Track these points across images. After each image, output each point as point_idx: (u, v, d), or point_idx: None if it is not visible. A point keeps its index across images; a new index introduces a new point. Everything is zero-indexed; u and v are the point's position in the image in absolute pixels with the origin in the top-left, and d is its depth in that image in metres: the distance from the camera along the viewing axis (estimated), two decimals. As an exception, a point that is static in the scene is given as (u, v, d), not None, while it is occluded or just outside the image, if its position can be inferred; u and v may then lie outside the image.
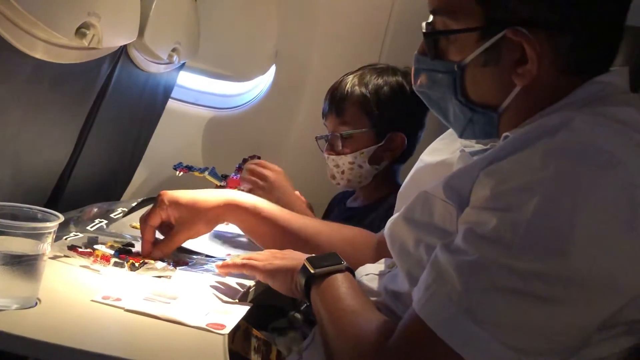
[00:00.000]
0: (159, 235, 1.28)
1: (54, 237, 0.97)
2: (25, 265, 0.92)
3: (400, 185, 1.19)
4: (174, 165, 1.76)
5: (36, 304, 0.95)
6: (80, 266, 1.16)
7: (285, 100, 2.13)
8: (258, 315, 1.19)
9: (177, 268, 1.23)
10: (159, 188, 1.53)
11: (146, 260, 1.21)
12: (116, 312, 0.99)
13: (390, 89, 1.69)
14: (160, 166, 2.04)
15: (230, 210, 1.28)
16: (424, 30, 0.95)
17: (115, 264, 1.19)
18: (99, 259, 1.17)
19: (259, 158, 1.84)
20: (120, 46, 1.44)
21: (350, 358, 0.88)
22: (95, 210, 1.50)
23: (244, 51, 2.15)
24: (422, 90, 0.99)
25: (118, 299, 1.02)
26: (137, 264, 1.18)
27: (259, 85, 2.22)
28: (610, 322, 0.78)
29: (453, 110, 0.95)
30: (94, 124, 1.50)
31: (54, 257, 1.16)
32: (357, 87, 1.70)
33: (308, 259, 1.06)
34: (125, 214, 1.56)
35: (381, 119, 1.68)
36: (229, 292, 1.15)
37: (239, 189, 1.61)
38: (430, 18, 0.95)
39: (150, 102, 1.89)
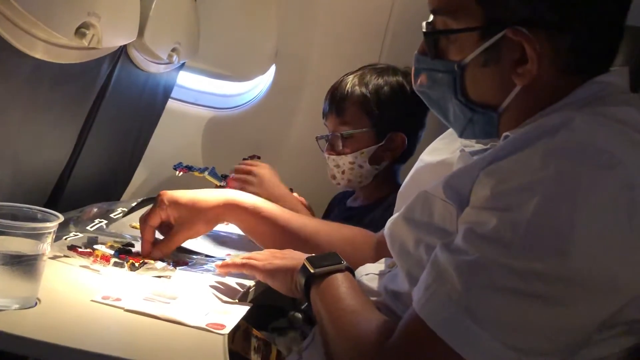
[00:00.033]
0: (158, 236, 1.28)
1: (54, 237, 0.97)
2: (25, 265, 0.92)
3: (401, 185, 1.19)
4: (174, 165, 1.76)
5: (36, 304, 0.95)
6: (80, 266, 1.16)
7: (285, 100, 2.13)
8: (258, 315, 1.19)
9: (177, 268, 1.23)
10: (159, 188, 1.53)
11: (146, 260, 1.21)
12: (116, 312, 0.99)
13: (391, 89, 1.69)
14: (160, 166, 2.04)
15: (229, 210, 1.28)
16: (424, 30, 0.95)
17: (115, 264, 1.18)
18: (98, 259, 1.17)
19: (258, 158, 1.84)
20: (120, 46, 1.44)
21: (350, 358, 0.88)
22: (95, 210, 1.50)
23: (244, 51, 2.15)
24: (422, 90, 0.99)
25: (118, 299, 1.02)
26: (137, 264, 1.18)
27: (259, 85, 2.22)
28: (610, 322, 0.78)
29: (453, 110, 0.95)
30: (94, 124, 1.50)
31: (54, 257, 1.16)
32: (357, 87, 1.70)
33: (308, 259, 1.06)
34: (125, 214, 1.56)
35: (381, 119, 1.68)
36: (228, 292, 1.15)
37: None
38: (431, 18, 0.95)
39: (150, 102, 1.89)
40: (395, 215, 1.02)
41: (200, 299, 1.09)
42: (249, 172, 1.69)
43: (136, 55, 1.56)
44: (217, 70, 2.17)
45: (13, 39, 1.04)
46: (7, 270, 0.91)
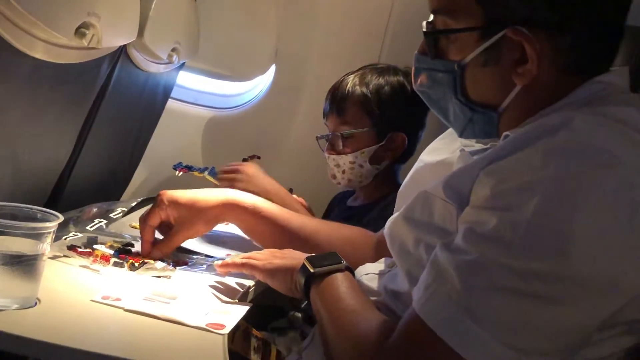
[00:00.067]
0: (158, 235, 1.28)
1: (54, 237, 0.97)
2: (24, 265, 0.92)
3: (401, 185, 1.19)
4: (174, 165, 1.76)
5: (36, 304, 0.95)
6: (80, 266, 1.16)
7: (285, 100, 2.13)
8: (258, 315, 1.19)
9: (177, 268, 1.23)
10: (159, 188, 1.53)
11: (146, 260, 1.21)
12: (116, 312, 0.99)
13: (392, 88, 1.69)
14: (160, 166, 2.04)
15: (229, 210, 1.28)
16: (424, 30, 0.95)
17: (115, 264, 1.18)
18: (98, 259, 1.17)
19: (258, 158, 1.84)
20: (120, 46, 1.44)
21: (350, 358, 0.88)
22: (95, 210, 1.50)
23: (244, 51, 2.15)
24: (422, 89, 0.99)
25: (118, 299, 1.02)
26: (136, 264, 1.18)
27: (259, 85, 2.22)
28: (610, 322, 0.78)
29: (453, 109, 0.95)
30: (94, 124, 1.50)
31: (54, 257, 1.16)
32: (358, 87, 1.70)
33: (308, 258, 1.06)
34: (125, 214, 1.56)
35: (382, 119, 1.69)
36: (228, 292, 1.15)
37: None
38: (431, 17, 0.95)
39: (150, 102, 1.89)
40: (395, 215, 1.02)
41: (200, 299, 1.09)
42: (234, 171, 1.70)
43: (136, 55, 1.56)
44: (217, 70, 2.17)
45: (13, 39, 1.04)
46: (6, 270, 0.91)
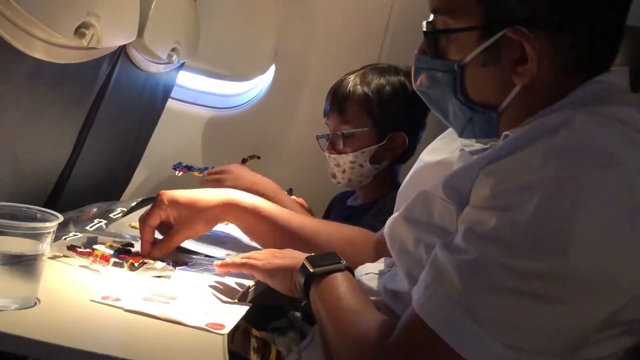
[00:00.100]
0: (158, 235, 1.28)
1: (53, 237, 0.96)
2: (24, 265, 0.92)
3: (400, 185, 1.19)
4: (174, 165, 1.76)
5: (35, 304, 0.95)
6: (80, 266, 1.16)
7: (284, 100, 2.13)
8: (257, 315, 1.19)
9: (177, 268, 1.22)
10: (159, 188, 1.53)
11: (145, 260, 1.21)
12: (115, 312, 0.99)
13: (393, 88, 1.70)
14: (160, 166, 2.04)
15: (229, 210, 1.28)
16: (424, 29, 0.95)
17: (115, 264, 1.18)
18: (98, 259, 1.17)
19: (258, 158, 1.84)
20: (120, 46, 1.44)
21: (349, 357, 0.88)
22: (95, 210, 1.50)
23: (244, 51, 2.15)
24: (422, 89, 0.99)
25: (117, 299, 1.02)
26: (136, 264, 1.18)
27: (259, 85, 2.22)
28: (610, 322, 0.78)
29: (453, 109, 0.95)
30: (94, 124, 1.50)
31: (53, 257, 1.15)
32: (359, 87, 1.70)
33: (307, 258, 1.06)
34: (125, 214, 1.56)
35: (383, 119, 1.69)
36: (228, 292, 1.15)
37: None
38: (431, 17, 0.95)
39: (150, 102, 1.89)
40: (395, 215, 1.02)
41: (199, 299, 1.09)
42: (221, 172, 1.71)
43: (136, 55, 1.56)
44: (216, 70, 2.17)
45: (12, 39, 1.04)
46: (6, 270, 0.91)
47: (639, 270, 0.75)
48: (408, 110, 1.69)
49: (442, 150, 1.11)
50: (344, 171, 1.72)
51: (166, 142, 2.07)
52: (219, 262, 1.20)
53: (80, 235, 1.30)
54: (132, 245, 1.29)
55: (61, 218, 0.97)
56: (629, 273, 0.75)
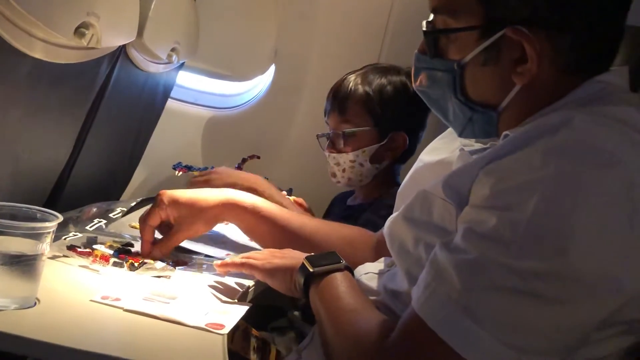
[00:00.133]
0: (158, 235, 1.28)
1: (53, 237, 0.96)
2: (24, 265, 0.92)
3: (400, 185, 1.19)
4: (173, 165, 1.76)
5: (35, 304, 0.95)
6: (80, 266, 1.16)
7: (284, 100, 2.13)
8: (257, 315, 1.19)
9: (177, 268, 1.22)
10: (158, 188, 1.53)
11: (145, 260, 1.21)
12: (115, 312, 0.99)
13: (394, 88, 1.70)
14: (160, 166, 2.04)
15: (229, 210, 1.28)
16: (424, 29, 0.95)
17: (115, 264, 1.18)
18: (98, 258, 1.17)
19: (258, 158, 1.84)
20: (119, 46, 1.44)
21: (349, 357, 0.88)
22: (95, 210, 1.50)
23: (243, 51, 2.15)
24: (421, 89, 0.99)
25: (117, 299, 1.02)
26: (136, 264, 1.18)
27: (259, 85, 2.22)
28: (609, 321, 0.78)
29: (453, 109, 0.95)
30: (93, 124, 1.50)
31: (53, 257, 1.15)
32: (360, 86, 1.70)
33: (307, 258, 1.06)
34: (125, 214, 1.56)
35: (384, 118, 1.69)
36: (228, 292, 1.15)
37: None
38: (431, 17, 0.95)
39: (150, 102, 1.89)
40: (394, 215, 1.02)
41: (199, 299, 1.09)
42: (207, 173, 1.70)
43: (135, 55, 1.56)
44: (216, 70, 2.17)
45: (12, 39, 1.04)
46: (6, 270, 0.91)
47: (638, 270, 0.75)
48: (409, 110, 1.69)
49: (442, 150, 1.11)
50: (344, 170, 1.72)
51: (166, 142, 2.07)
52: (219, 262, 1.20)
53: (80, 235, 1.30)
54: (132, 245, 1.29)
55: (61, 218, 0.97)
56: (629, 273, 0.75)
